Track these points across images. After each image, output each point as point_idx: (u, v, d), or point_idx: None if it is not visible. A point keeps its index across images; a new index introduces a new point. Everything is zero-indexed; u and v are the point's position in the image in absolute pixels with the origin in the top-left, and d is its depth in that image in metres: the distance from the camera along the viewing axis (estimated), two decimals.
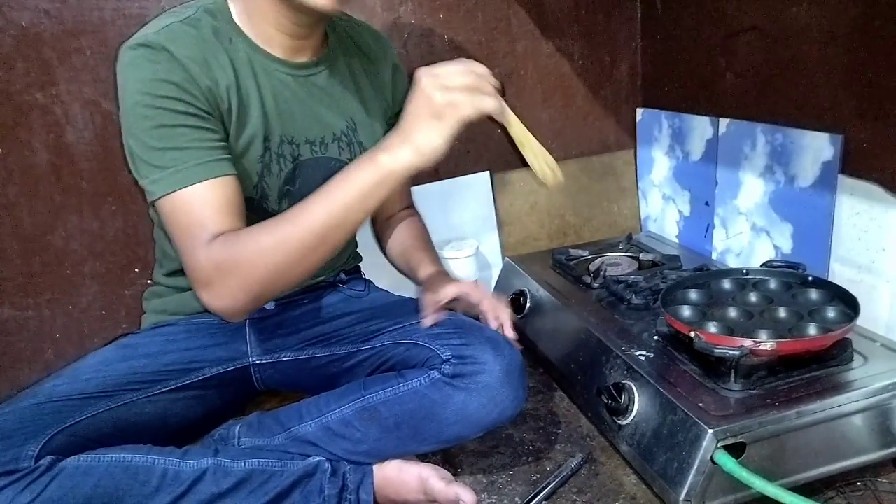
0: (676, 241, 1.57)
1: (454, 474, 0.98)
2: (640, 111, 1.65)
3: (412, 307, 1.06)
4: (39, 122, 1.26)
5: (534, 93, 1.58)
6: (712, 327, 0.96)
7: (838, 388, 0.88)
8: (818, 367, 0.91)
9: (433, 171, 1.49)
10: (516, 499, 0.96)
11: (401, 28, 1.44)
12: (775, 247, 1.26)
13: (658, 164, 1.61)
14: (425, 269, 1.09)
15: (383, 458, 0.95)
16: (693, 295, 1.08)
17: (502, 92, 0.83)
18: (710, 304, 1.05)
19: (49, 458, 0.79)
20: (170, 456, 0.85)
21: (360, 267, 1.23)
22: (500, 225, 1.60)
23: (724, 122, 1.35)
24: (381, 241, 1.23)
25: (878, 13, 1.02)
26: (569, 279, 1.32)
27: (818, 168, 1.14)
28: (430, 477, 0.91)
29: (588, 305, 1.20)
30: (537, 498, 0.94)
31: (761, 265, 1.16)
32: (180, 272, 1.00)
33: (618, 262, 1.37)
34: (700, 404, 0.86)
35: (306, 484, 0.90)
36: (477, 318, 1.04)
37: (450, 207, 1.54)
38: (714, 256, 1.43)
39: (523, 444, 1.08)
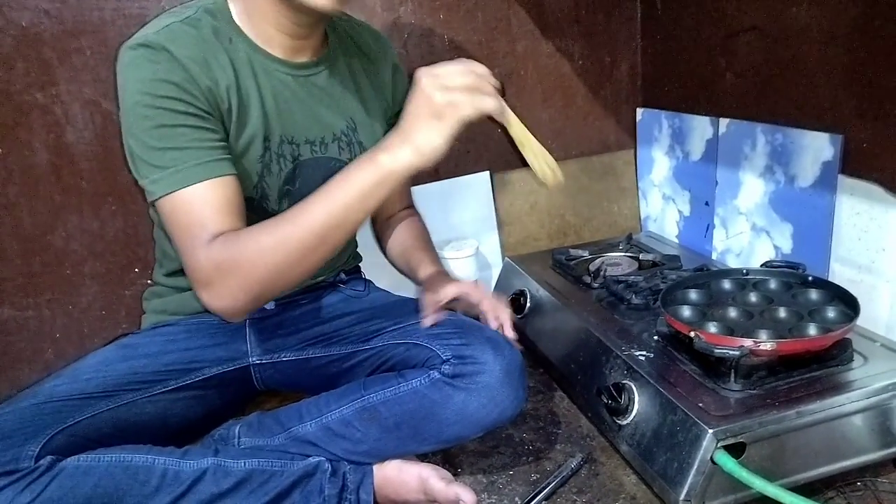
0: (676, 241, 1.57)
1: (454, 474, 0.98)
2: (640, 111, 1.65)
3: (412, 307, 1.06)
4: (39, 122, 1.26)
5: (534, 93, 1.58)
6: (712, 327, 0.96)
7: (838, 388, 0.88)
8: (818, 367, 0.91)
9: (433, 171, 1.49)
10: (516, 499, 0.96)
11: (401, 28, 1.44)
12: (775, 247, 1.26)
13: (658, 164, 1.61)
14: (425, 269, 1.09)
15: (383, 458, 0.95)
16: (693, 295, 1.08)
17: (502, 92, 0.83)
18: (710, 304, 1.05)
19: (49, 458, 0.79)
20: (170, 456, 0.85)
21: (360, 267, 1.23)
22: (500, 225, 1.60)
23: (724, 122, 1.35)
24: (380, 240, 1.23)
25: (878, 13, 1.02)
26: (569, 279, 1.32)
27: (818, 168, 1.14)
28: (430, 477, 0.91)
29: (588, 305, 1.20)
30: (537, 498, 0.94)
31: (761, 265, 1.16)
32: (180, 272, 0.99)
33: (618, 262, 1.37)
34: (700, 404, 0.86)
35: (306, 484, 0.90)
36: (477, 318, 1.04)
37: (450, 207, 1.54)
38: (714, 256, 1.43)
39: (523, 444, 1.08)
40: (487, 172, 1.56)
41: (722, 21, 1.34)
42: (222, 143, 0.88)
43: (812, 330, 0.94)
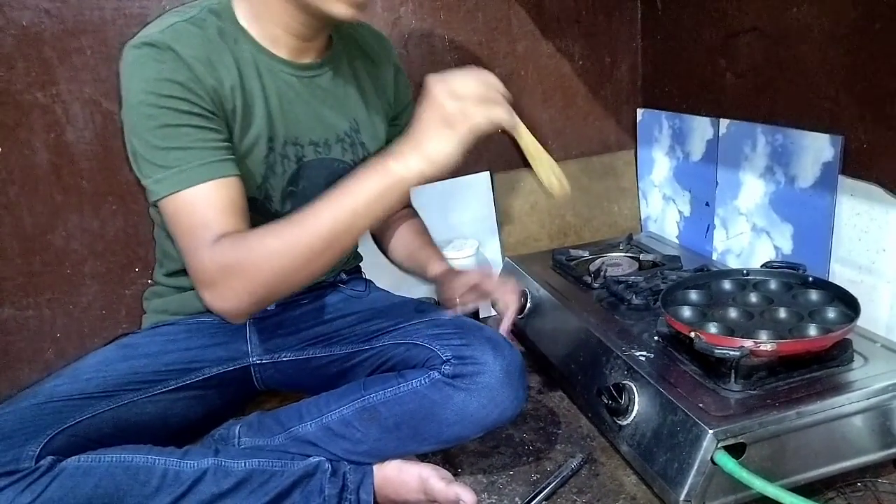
0: (677, 241, 1.57)
1: (454, 474, 0.98)
2: (640, 111, 1.65)
3: (412, 308, 1.06)
4: (40, 121, 1.26)
5: (534, 93, 1.58)
6: (712, 328, 0.96)
7: (838, 388, 0.88)
8: (818, 368, 0.91)
9: None
10: (516, 499, 0.96)
11: (401, 28, 1.44)
12: (776, 247, 1.26)
13: (658, 165, 1.61)
14: (435, 266, 1.10)
15: (383, 458, 0.95)
16: (693, 295, 1.08)
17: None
18: (711, 304, 1.05)
19: (49, 458, 0.79)
20: (170, 456, 0.85)
21: (360, 267, 1.23)
22: (500, 225, 1.60)
23: (724, 123, 1.35)
24: (381, 240, 1.23)
25: (878, 14, 1.02)
26: (569, 279, 1.32)
27: (818, 169, 1.14)
28: (431, 477, 0.91)
29: (588, 306, 1.20)
30: (537, 498, 0.94)
31: (762, 266, 1.16)
32: (181, 272, 0.99)
33: (618, 263, 1.37)
34: (700, 405, 0.86)
35: (306, 484, 0.90)
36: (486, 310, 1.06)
37: (450, 207, 1.54)
38: (714, 257, 1.43)
39: (523, 444, 1.08)
40: (487, 172, 1.56)
41: (722, 21, 1.34)
42: (226, 144, 0.88)
43: (812, 330, 0.94)
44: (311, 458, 0.92)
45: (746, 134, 1.29)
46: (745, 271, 1.13)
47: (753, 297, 1.05)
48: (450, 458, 1.05)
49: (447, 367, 0.91)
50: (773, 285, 1.09)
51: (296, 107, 0.97)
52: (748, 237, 1.33)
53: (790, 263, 1.12)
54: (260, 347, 1.04)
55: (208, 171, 0.84)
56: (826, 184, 1.13)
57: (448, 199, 1.53)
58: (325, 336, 1.06)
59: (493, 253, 1.60)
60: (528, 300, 1.32)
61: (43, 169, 1.28)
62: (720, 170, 1.38)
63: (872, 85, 1.05)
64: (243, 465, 0.88)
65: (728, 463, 0.80)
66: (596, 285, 1.26)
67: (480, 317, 1.44)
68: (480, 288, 1.06)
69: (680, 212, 1.55)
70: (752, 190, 1.30)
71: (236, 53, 0.90)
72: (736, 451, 0.82)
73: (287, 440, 0.95)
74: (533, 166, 0.85)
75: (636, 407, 0.94)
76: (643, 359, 0.99)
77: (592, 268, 1.34)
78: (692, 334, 0.91)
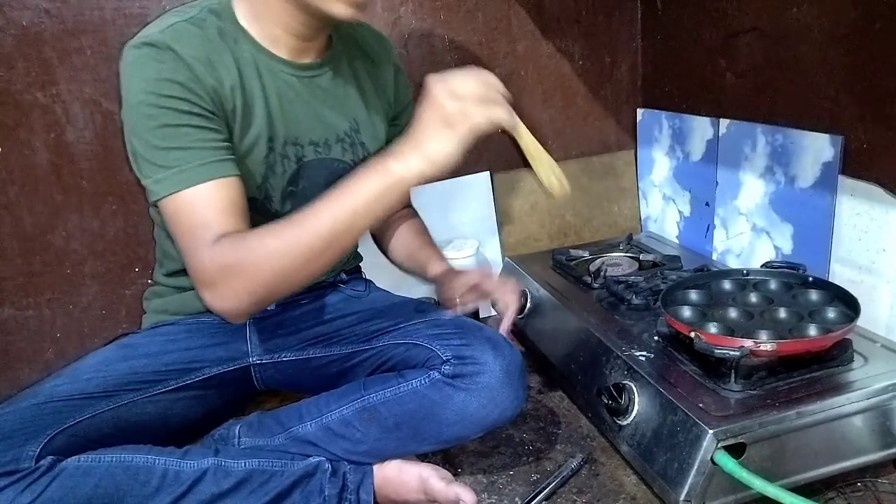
0: (677, 241, 1.57)
1: (454, 474, 0.98)
2: (640, 111, 1.65)
3: (412, 307, 1.06)
4: (40, 121, 1.26)
5: (534, 93, 1.58)
6: (712, 328, 0.96)
7: (838, 388, 0.88)
8: (818, 368, 0.91)
9: None
10: (516, 499, 0.96)
11: (401, 28, 1.44)
12: (776, 247, 1.26)
13: (658, 165, 1.61)
14: (435, 266, 1.10)
15: (383, 458, 0.95)
16: (693, 295, 1.08)
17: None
18: (711, 304, 1.05)
19: (49, 458, 0.79)
20: (170, 456, 0.85)
21: (360, 267, 1.23)
22: (500, 225, 1.60)
23: (724, 123, 1.35)
24: (380, 240, 1.23)
25: (878, 14, 1.02)
26: (569, 279, 1.32)
27: (818, 169, 1.14)
28: (430, 477, 0.92)
29: (588, 306, 1.20)
30: (537, 498, 0.94)
31: (762, 266, 1.16)
32: (181, 272, 0.99)
33: (618, 263, 1.37)
34: (700, 405, 0.86)
35: (306, 484, 0.90)
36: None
37: (450, 207, 1.54)
38: (714, 257, 1.43)
39: (523, 444, 1.08)
40: (487, 172, 1.56)
41: (722, 21, 1.34)
42: (226, 144, 0.88)
43: (812, 330, 0.94)
44: (311, 458, 0.92)
45: (746, 134, 1.29)
46: (745, 271, 1.13)
47: (753, 297, 1.05)
48: (450, 458, 1.05)
49: (447, 367, 0.91)
50: (773, 285, 1.09)
51: (296, 107, 0.97)
52: (748, 237, 1.33)
53: (790, 263, 1.12)
54: (260, 347, 1.04)
55: (208, 171, 0.84)
56: (826, 184, 1.13)
57: (448, 199, 1.53)
58: (325, 336, 1.06)
59: (493, 253, 1.60)
60: (528, 300, 1.32)
61: (43, 169, 1.28)
62: (720, 170, 1.38)
63: (872, 85, 1.05)
64: (243, 465, 0.88)
65: (728, 463, 0.80)
66: (596, 285, 1.26)
67: (480, 317, 1.44)
68: (480, 288, 1.06)
69: (680, 212, 1.55)
70: (752, 190, 1.30)
71: (236, 53, 0.90)
72: (736, 451, 0.82)
73: (287, 440, 0.95)
74: (533, 166, 0.85)
75: (636, 407, 0.94)
76: (643, 359, 0.99)
77: (592, 268, 1.34)
78: (692, 334, 0.91)
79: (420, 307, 1.08)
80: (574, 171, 1.63)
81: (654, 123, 1.59)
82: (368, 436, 0.93)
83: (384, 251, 1.22)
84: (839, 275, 1.13)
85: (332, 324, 1.07)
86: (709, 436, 0.81)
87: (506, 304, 1.08)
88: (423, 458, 1.00)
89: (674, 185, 1.55)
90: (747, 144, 1.29)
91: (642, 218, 1.71)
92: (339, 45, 1.04)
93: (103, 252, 1.35)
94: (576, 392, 1.14)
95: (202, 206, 0.83)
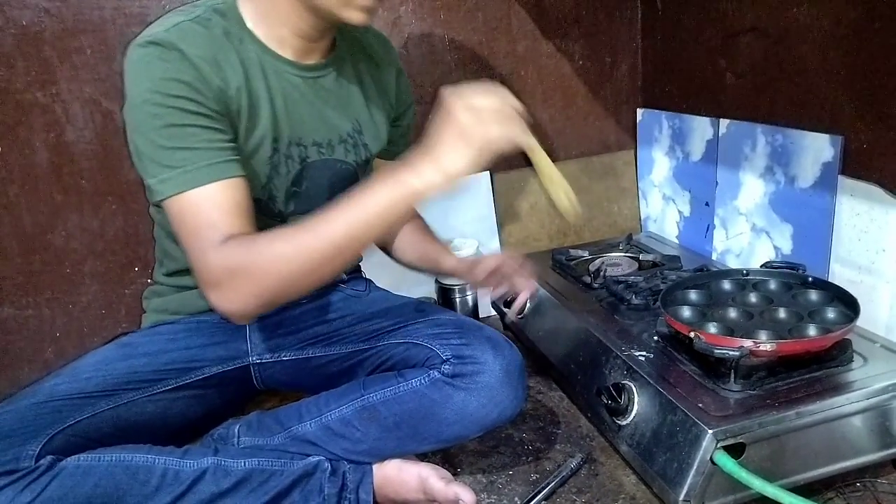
0: (676, 241, 1.57)
1: (454, 474, 0.98)
2: (640, 111, 1.65)
3: (412, 307, 1.06)
4: (40, 120, 1.26)
5: (534, 93, 1.58)
6: (712, 328, 0.96)
7: (838, 388, 0.88)
8: (818, 368, 0.91)
9: None
10: (516, 499, 0.96)
11: (401, 28, 1.44)
12: (775, 247, 1.26)
13: (658, 165, 1.61)
14: (448, 260, 1.12)
15: (383, 458, 0.95)
16: (693, 295, 1.08)
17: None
18: (710, 304, 1.05)
19: (49, 457, 0.79)
20: (170, 455, 0.85)
21: (360, 267, 1.23)
22: (500, 225, 1.60)
23: (724, 123, 1.35)
24: (384, 240, 1.22)
25: (878, 15, 1.02)
26: (569, 279, 1.32)
27: (818, 169, 1.14)
28: (430, 476, 0.92)
29: (588, 306, 1.20)
30: (537, 498, 0.95)
31: (761, 266, 1.16)
32: (181, 272, 1.00)
33: (618, 263, 1.37)
34: (700, 405, 0.86)
35: (306, 483, 0.90)
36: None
37: (450, 207, 1.54)
38: (714, 257, 1.43)
39: (523, 444, 1.08)
40: (487, 172, 1.56)
41: (722, 22, 1.34)
42: (232, 145, 0.87)
43: (812, 330, 0.94)
44: (310, 458, 0.92)
45: (746, 134, 1.29)
46: (744, 271, 1.13)
47: (753, 297, 1.05)
48: (449, 458, 1.05)
49: (447, 367, 0.92)
50: (772, 285, 1.09)
51: (300, 107, 0.96)
52: (748, 237, 1.33)
53: (790, 263, 1.12)
54: (260, 347, 1.04)
55: (214, 172, 0.83)
56: (826, 184, 1.13)
57: (448, 199, 1.53)
58: (325, 336, 1.06)
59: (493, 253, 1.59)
60: (528, 300, 1.32)
61: (43, 168, 1.28)
62: (720, 170, 1.38)
63: (872, 85, 1.05)
64: (243, 464, 0.88)
65: (727, 463, 0.80)
66: (596, 285, 1.26)
67: (480, 317, 1.44)
68: (501, 270, 1.07)
69: (680, 212, 1.55)
70: (751, 190, 1.30)
71: (242, 54, 0.90)
72: (735, 451, 0.82)
73: (287, 439, 0.95)
74: (546, 187, 0.85)
75: (636, 407, 0.94)
76: (643, 359, 0.99)
77: (592, 268, 1.34)
78: (692, 334, 0.91)
79: (420, 307, 1.08)
80: (574, 171, 1.63)
81: (654, 123, 1.59)
82: (368, 435, 0.93)
83: (388, 252, 1.22)
84: (839, 275, 1.13)
85: (332, 323, 1.07)
86: (708, 436, 0.81)
87: (522, 285, 1.09)
88: (422, 457, 1.00)
89: (674, 185, 1.55)
90: (747, 144, 1.29)
91: (642, 218, 1.71)
92: (343, 46, 1.04)
93: (103, 251, 1.35)
94: (575, 392, 1.14)
95: (208, 206, 0.83)
